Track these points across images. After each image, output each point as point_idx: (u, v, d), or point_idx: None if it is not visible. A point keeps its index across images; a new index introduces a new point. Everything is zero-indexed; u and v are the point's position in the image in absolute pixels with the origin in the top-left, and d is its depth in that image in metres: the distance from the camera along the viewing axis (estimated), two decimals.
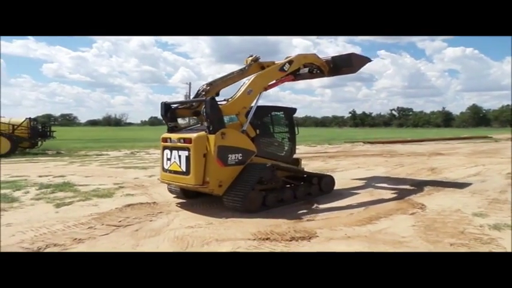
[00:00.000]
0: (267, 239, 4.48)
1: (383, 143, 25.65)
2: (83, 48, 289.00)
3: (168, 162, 6.18)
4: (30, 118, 17.82)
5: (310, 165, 12.14)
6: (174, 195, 6.80)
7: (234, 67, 7.69)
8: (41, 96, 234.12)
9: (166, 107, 6.55)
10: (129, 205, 6.25)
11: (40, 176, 9.66)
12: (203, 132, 5.81)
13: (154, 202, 6.52)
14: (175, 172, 6.02)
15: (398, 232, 4.77)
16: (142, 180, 9.03)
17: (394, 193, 7.45)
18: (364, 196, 7.21)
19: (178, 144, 5.94)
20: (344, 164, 12.88)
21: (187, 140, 5.78)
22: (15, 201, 6.58)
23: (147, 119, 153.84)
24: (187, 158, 5.75)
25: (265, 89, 6.73)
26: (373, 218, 5.45)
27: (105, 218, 5.46)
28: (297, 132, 7.31)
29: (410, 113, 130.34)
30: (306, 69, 7.78)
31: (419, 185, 8.30)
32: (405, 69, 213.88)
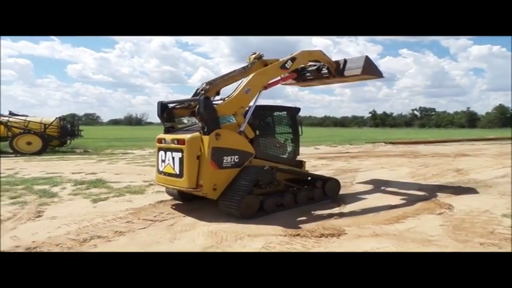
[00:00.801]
0: (297, 235, 4.64)
1: (405, 143, 25.32)
2: (106, 49, 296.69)
3: (163, 164, 5.95)
4: (60, 117, 18.55)
5: (333, 165, 12.22)
6: (172, 197, 6.59)
7: None
8: (66, 96, 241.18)
9: (162, 107, 6.29)
10: (161, 201, 6.53)
11: (73, 173, 10.12)
12: (197, 133, 5.55)
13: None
14: (169, 174, 5.79)
15: (426, 231, 4.83)
16: None
17: (420, 193, 7.46)
18: (389, 196, 7.26)
19: (172, 145, 5.72)
20: (367, 164, 12.86)
21: (181, 141, 5.55)
22: (54, 196, 6.97)
23: None
24: (181, 160, 5.52)
25: (265, 87, 6.36)
26: (400, 217, 5.52)
27: (140, 213, 5.74)
28: (300, 133, 6.91)
29: (433, 113, 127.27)
30: (314, 67, 7.44)
31: (445, 186, 8.27)
32: (428, 68, 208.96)
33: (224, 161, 5.53)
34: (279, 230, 4.82)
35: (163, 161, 5.94)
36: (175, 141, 5.66)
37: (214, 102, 5.95)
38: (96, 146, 22.01)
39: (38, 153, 16.10)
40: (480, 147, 21.90)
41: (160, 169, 6.02)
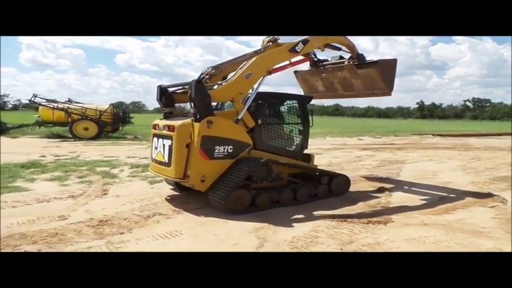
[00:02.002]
0: (344, 220, 4.79)
1: (455, 136, 24.15)
2: (152, 38, 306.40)
3: (155, 151, 5.66)
4: (113, 105, 19.73)
5: (377, 156, 12.08)
6: (171, 188, 6.32)
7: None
8: (114, 84, 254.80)
9: (161, 91, 5.91)
10: None
11: (128, 157, 10.86)
12: (189, 120, 5.17)
13: None
14: (160, 163, 5.52)
15: (477, 223, 4.78)
16: None
17: (471, 186, 7.27)
18: (437, 187, 7.14)
19: (164, 131, 5.41)
20: (414, 156, 12.55)
21: (171, 128, 5.24)
22: (115, 177, 7.60)
23: None
24: (170, 148, 5.22)
25: (269, 72, 5.70)
26: (449, 209, 5.48)
27: (195, 194, 6.14)
28: (311, 124, 6.27)
29: (488, 104, 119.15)
30: (337, 56, 6.96)
31: (499, 180, 7.95)
32: (485, 55, 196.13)
33: (216, 151, 5.12)
34: (326, 215, 5.00)
35: (156, 148, 5.65)
36: (167, 128, 5.35)
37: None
38: (144, 132, 23.09)
39: (94, 138, 17.26)
40: None
41: (153, 156, 5.75)
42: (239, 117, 5.40)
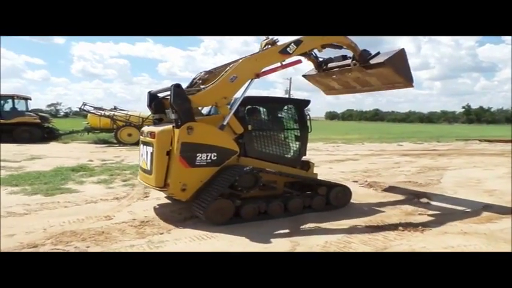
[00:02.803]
0: (379, 226, 4.75)
1: (505, 141, 22.69)
2: (192, 47, 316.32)
3: (141, 158, 5.51)
4: None
5: (417, 163, 11.70)
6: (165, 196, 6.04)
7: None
8: None
9: (151, 97, 5.67)
10: None
11: None
12: (170, 126, 4.96)
13: None
14: (144, 170, 5.36)
15: None
16: None
17: None
18: (481, 195, 6.82)
19: (147, 138, 5.23)
20: (457, 162, 12.01)
21: (152, 134, 5.06)
22: None
23: None
24: (152, 155, 5.04)
25: (258, 75, 5.32)
26: (493, 218, 5.24)
27: None
28: (309, 130, 5.90)
29: None
30: (340, 56, 6.46)
31: None
32: None
33: (197, 158, 4.85)
34: (361, 222, 4.98)
35: (142, 155, 5.47)
36: (149, 134, 5.18)
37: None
38: None
39: (137, 143, 18.04)
40: None
41: (140, 164, 5.63)
42: (224, 123, 5.10)
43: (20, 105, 19.07)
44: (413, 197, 6.49)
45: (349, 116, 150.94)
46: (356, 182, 8.09)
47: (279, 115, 5.97)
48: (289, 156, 5.79)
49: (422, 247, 4.05)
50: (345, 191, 5.84)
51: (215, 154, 4.95)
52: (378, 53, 6.21)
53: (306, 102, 6.09)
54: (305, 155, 5.98)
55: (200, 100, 5.10)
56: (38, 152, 12.93)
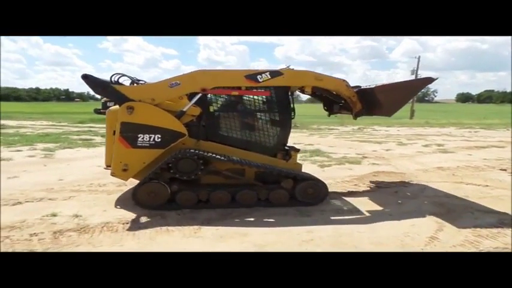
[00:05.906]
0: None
1: None
2: None
3: None
4: None
5: None
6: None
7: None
8: None
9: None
10: (379, 172, 7.21)
11: (294, 143, 11.94)
12: (117, 106, 4.85)
13: (401, 172, 7.23)
14: None
15: None
16: (381, 153, 9.90)
17: None
18: None
19: None
20: None
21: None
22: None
23: None
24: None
25: (204, 90, 4.86)
26: None
27: (363, 179, 6.60)
28: (292, 116, 5.27)
29: None
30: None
31: None
32: None
33: (139, 139, 4.70)
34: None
35: None
36: None
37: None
38: (303, 121, 24.56)
39: None
40: None
41: None
42: (184, 109, 4.85)
43: None
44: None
45: (487, 97, 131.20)
46: (504, 170, 7.41)
47: (253, 97, 5.16)
48: (263, 143, 5.21)
49: None
50: (316, 186, 5.02)
51: (159, 136, 4.72)
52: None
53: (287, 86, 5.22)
54: (286, 142, 5.40)
55: (127, 92, 4.78)
56: None
